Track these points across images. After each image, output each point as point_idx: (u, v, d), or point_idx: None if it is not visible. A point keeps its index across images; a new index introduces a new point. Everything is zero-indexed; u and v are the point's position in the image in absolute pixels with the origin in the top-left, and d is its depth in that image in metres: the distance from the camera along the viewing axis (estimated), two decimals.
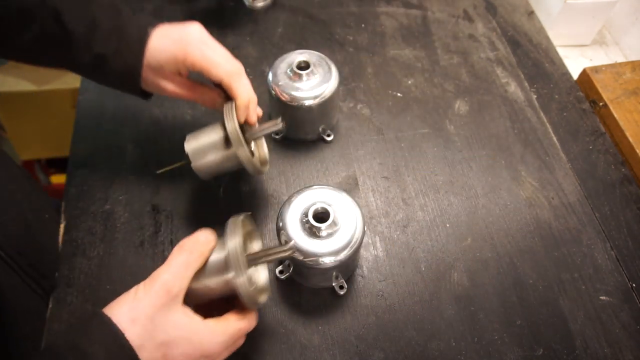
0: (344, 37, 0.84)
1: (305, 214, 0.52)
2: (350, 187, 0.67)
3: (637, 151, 0.68)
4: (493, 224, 0.64)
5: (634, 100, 0.74)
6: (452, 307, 0.57)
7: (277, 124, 0.56)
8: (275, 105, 0.65)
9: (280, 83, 0.63)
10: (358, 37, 0.84)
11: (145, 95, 0.57)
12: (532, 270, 0.60)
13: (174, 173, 0.67)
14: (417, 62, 0.81)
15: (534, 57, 0.83)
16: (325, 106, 0.64)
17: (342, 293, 0.57)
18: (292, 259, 0.52)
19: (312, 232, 0.51)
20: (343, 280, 0.56)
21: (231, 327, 0.43)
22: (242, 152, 0.52)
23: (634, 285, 0.59)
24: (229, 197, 0.65)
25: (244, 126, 0.55)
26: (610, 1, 0.83)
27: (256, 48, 0.81)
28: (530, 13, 0.90)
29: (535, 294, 0.58)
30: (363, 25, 0.86)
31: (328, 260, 0.50)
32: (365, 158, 0.70)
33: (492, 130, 0.73)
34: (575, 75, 0.81)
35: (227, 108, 0.52)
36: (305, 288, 0.58)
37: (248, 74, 0.78)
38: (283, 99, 0.63)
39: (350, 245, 0.51)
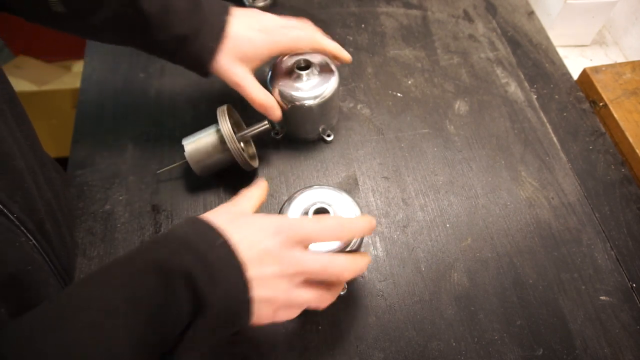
0: (344, 37, 0.84)
1: (306, 214, 0.52)
2: (350, 187, 0.67)
3: (637, 151, 0.68)
4: (493, 224, 0.64)
5: (634, 100, 0.74)
6: (452, 307, 0.57)
7: (264, 124, 0.62)
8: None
9: (280, 83, 0.63)
10: (358, 37, 0.84)
11: (207, 74, 0.59)
12: (532, 270, 0.60)
13: (174, 174, 0.67)
14: (417, 62, 0.81)
15: (534, 57, 0.83)
16: (326, 106, 0.64)
17: (342, 293, 0.57)
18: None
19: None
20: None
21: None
22: (235, 148, 0.59)
23: (634, 285, 0.59)
24: (229, 197, 0.65)
25: (234, 128, 0.63)
26: (610, 1, 0.83)
27: None
28: (530, 13, 0.90)
29: (535, 294, 0.58)
30: (363, 25, 0.86)
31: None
32: (365, 158, 0.70)
33: (492, 130, 0.73)
34: (575, 75, 0.81)
35: (220, 111, 0.60)
36: None
37: None
38: (283, 99, 0.63)
39: (350, 246, 0.51)
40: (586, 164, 0.70)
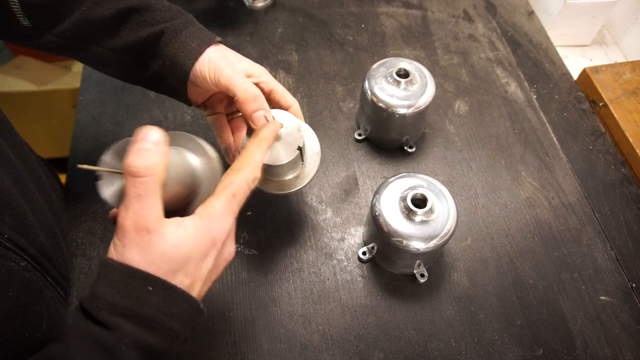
0: (344, 37, 0.84)
1: (404, 199, 0.53)
2: (350, 187, 0.67)
3: (637, 151, 0.68)
4: (493, 224, 0.64)
5: (634, 100, 0.74)
6: (452, 307, 0.57)
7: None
8: (368, 107, 0.65)
9: (377, 87, 0.63)
10: (358, 37, 0.84)
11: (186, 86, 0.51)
12: (532, 270, 0.60)
13: None
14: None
15: (534, 57, 0.83)
16: (417, 117, 0.64)
17: (422, 281, 0.57)
18: (382, 241, 0.54)
19: (408, 216, 0.53)
20: (424, 269, 0.58)
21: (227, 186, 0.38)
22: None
23: (633, 285, 0.59)
24: None
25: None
26: (610, 1, 0.83)
27: (256, 48, 0.81)
28: (530, 13, 0.90)
29: (535, 294, 0.58)
30: (363, 25, 0.86)
31: (419, 245, 0.52)
32: (366, 158, 0.70)
33: (492, 130, 0.73)
34: (575, 75, 0.81)
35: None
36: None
37: None
38: (377, 102, 0.63)
39: (441, 236, 0.52)
40: (586, 164, 0.70)
